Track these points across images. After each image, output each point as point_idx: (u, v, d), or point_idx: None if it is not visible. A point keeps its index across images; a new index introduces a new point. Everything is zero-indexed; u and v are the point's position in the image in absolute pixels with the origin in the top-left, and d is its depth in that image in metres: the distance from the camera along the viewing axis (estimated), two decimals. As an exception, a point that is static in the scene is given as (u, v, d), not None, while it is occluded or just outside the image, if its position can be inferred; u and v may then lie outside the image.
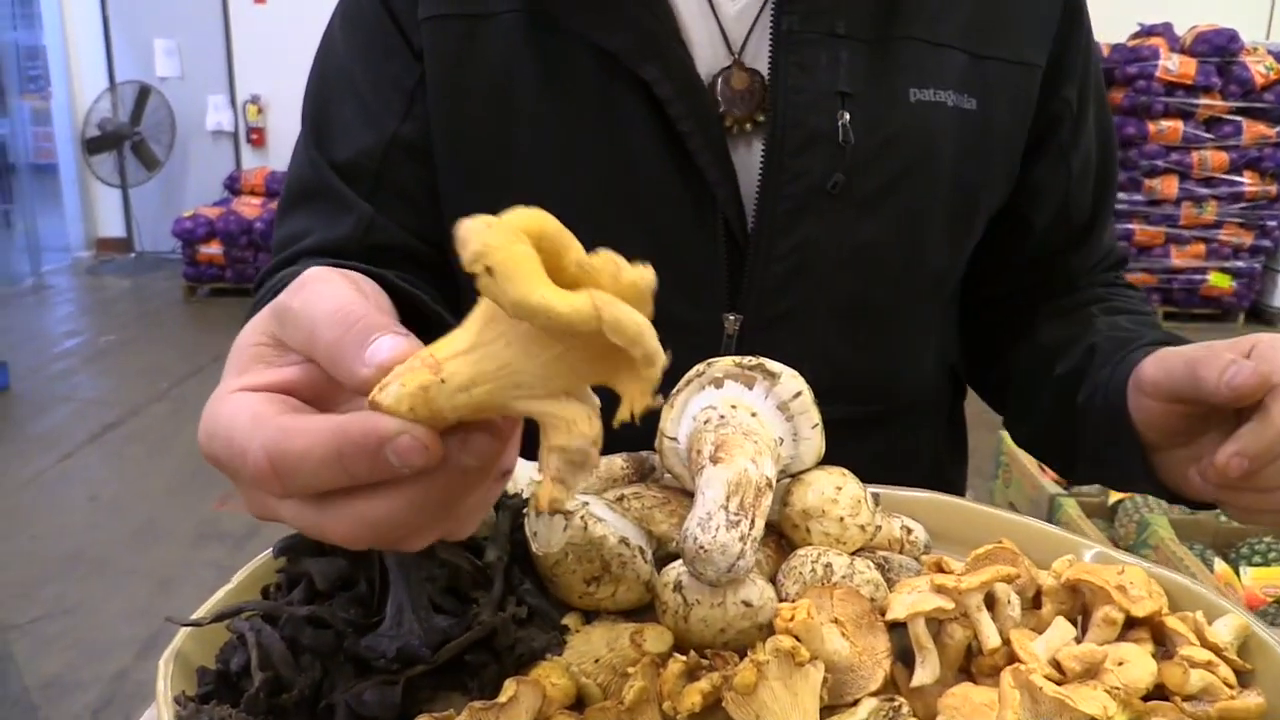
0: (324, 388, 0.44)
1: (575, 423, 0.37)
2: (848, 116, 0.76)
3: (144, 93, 6.98)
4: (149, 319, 6.14)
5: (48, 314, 6.34)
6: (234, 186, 6.96)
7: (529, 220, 0.37)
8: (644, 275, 0.38)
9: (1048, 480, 2.63)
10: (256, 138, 7.26)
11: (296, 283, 0.46)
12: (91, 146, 7.03)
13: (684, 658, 0.52)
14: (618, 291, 0.36)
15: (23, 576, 3.07)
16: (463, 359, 0.37)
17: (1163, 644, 0.58)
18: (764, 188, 0.77)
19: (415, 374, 0.37)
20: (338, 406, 0.45)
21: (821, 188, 0.77)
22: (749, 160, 0.78)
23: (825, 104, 0.77)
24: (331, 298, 0.43)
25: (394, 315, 0.56)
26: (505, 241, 0.35)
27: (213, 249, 6.41)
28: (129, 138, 7.00)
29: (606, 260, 0.37)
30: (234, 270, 6.40)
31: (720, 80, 0.78)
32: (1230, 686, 0.55)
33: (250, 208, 6.54)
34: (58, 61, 7.36)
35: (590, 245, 0.83)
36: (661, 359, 0.37)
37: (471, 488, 0.41)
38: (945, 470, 0.99)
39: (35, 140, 7.41)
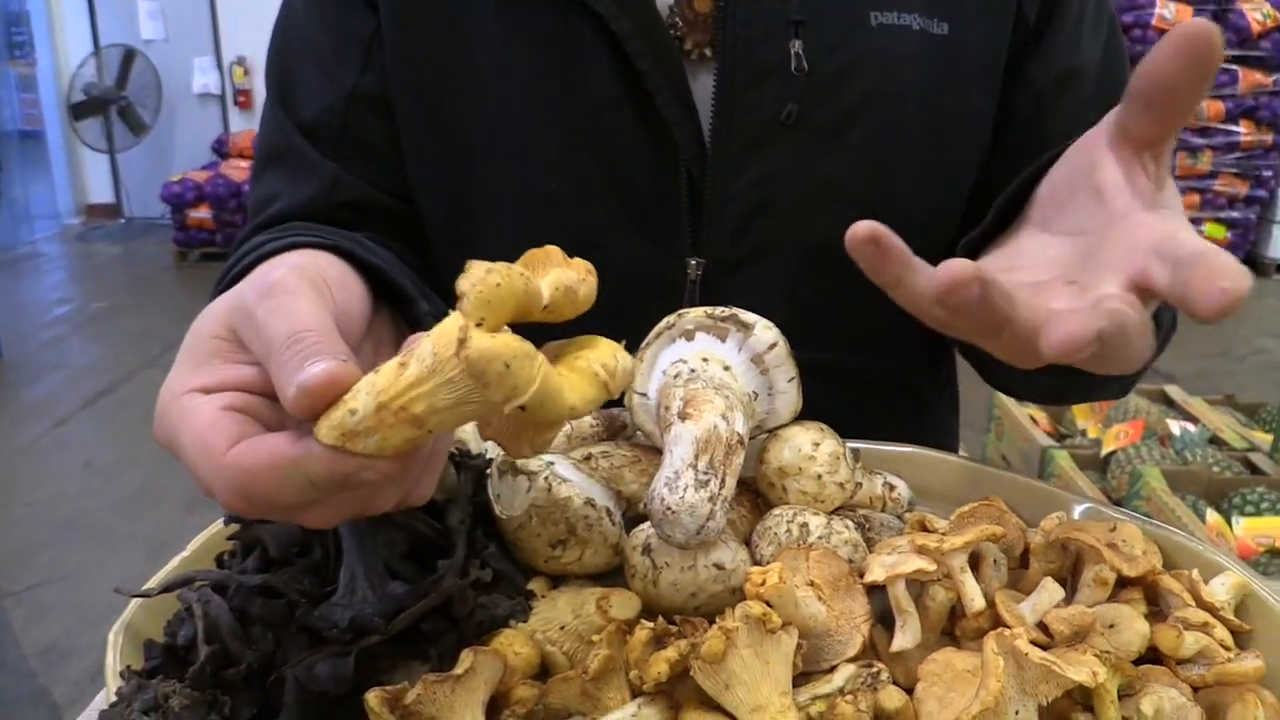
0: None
1: None
2: (800, 45, 0.73)
3: (129, 56, 6.88)
4: (140, 285, 6.10)
5: (38, 282, 6.30)
6: (222, 150, 6.89)
7: (513, 297, 0.40)
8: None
9: (1039, 433, 2.62)
10: (243, 100, 7.17)
11: (263, 283, 0.47)
12: (77, 112, 6.94)
13: (651, 625, 0.50)
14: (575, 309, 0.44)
15: (18, 544, 3.06)
16: (413, 392, 0.39)
17: (1156, 604, 0.56)
18: (717, 124, 0.74)
19: (342, 408, 0.40)
20: None
21: (775, 120, 0.74)
22: (708, 95, 0.75)
23: (776, 34, 0.73)
24: (289, 318, 0.44)
25: (364, 312, 0.56)
26: (526, 377, 0.38)
27: (202, 213, 6.36)
28: (115, 102, 6.91)
29: (564, 293, 0.43)
30: (224, 234, 6.34)
31: (680, 2, 0.75)
32: (1227, 649, 0.52)
33: (239, 171, 6.47)
34: (41, 26, 7.25)
35: (553, 196, 0.80)
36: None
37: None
38: (937, 423, 0.96)
39: (22, 107, 7.31)
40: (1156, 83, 0.48)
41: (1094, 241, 0.49)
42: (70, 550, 3.03)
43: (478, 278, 0.39)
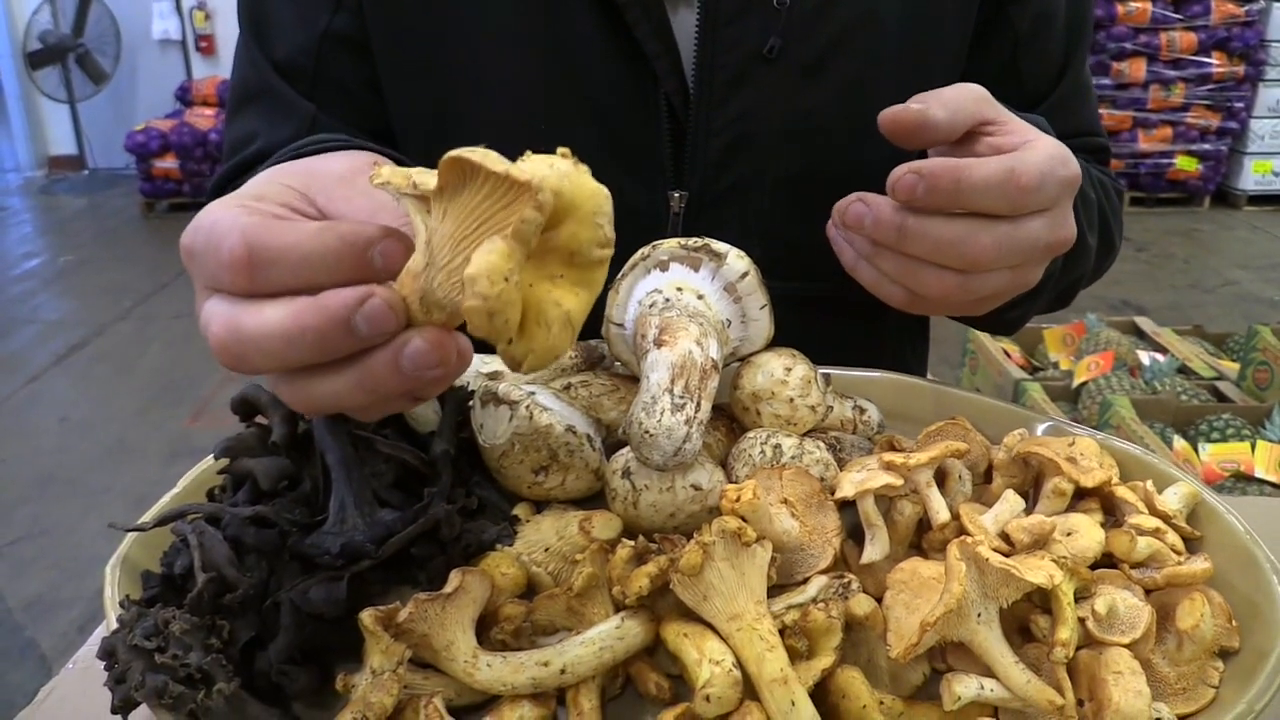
0: None
1: None
2: None
3: (84, 1, 6.70)
4: (108, 237, 6.02)
5: (4, 236, 6.20)
6: (185, 97, 6.76)
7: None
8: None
9: (1013, 366, 2.66)
10: (205, 45, 7.02)
11: (351, 159, 0.49)
12: (34, 61, 6.78)
13: (632, 543, 0.52)
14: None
15: (-4, 500, 3.06)
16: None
17: (1112, 514, 0.58)
18: (700, 59, 0.75)
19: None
20: None
21: (758, 54, 0.75)
22: (689, 29, 0.75)
23: None
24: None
25: None
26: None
27: (168, 163, 6.25)
28: (73, 50, 6.75)
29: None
30: (191, 184, 6.25)
31: None
32: (1178, 553, 0.55)
33: (204, 119, 6.36)
34: (-8, -29, 7.05)
35: (534, 131, 0.81)
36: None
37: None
38: (906, 355, 0.98)
39: (-24, 57, 7.13)
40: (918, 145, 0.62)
41: None
42: (50, 505, 3.03)
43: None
